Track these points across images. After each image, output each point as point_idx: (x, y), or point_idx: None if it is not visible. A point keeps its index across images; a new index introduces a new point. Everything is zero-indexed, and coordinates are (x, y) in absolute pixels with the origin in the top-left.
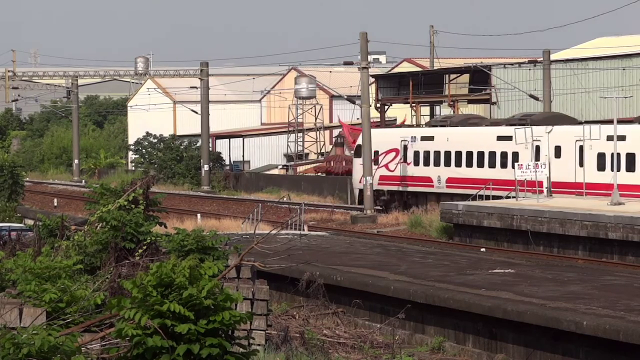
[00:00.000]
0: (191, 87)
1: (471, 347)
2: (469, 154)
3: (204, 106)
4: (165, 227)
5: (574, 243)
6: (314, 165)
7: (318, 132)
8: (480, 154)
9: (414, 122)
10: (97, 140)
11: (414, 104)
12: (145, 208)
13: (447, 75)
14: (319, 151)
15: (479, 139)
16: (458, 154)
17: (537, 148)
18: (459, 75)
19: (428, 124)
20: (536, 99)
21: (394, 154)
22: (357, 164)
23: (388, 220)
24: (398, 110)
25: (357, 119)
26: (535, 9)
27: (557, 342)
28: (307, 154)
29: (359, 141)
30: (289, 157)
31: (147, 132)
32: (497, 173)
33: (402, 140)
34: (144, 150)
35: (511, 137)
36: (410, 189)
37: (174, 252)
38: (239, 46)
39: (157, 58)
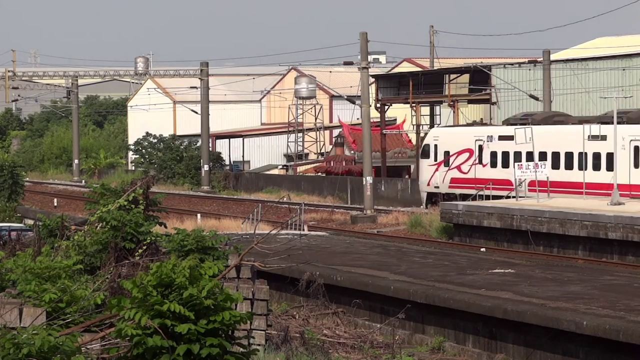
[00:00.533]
0: (191, 87)
1: (471, 347)
2: (555, 155)
3: (204, 106)
4: (165, 227)
5: (574, 243)
6: (314, 165)
7: (318, 132)
8: (569, 155)
9: (414, 122)
10: (97, 140)
11: (414, 104)
12: (145, 208)
13: (447, 75)
14: (319, 151)
15: (568, 139)
16: (542, 154)
17: (637, 149)
18: (459, 75)
19: (506, 122)
20: (536, 99)
21: (467, 154)
22: (425, 165)
23: (388, 220)
24: (398, 110)
25: (357, 119)
26: (535, 9)
27: (557, 342)
28: (307, 154)
29: (427, 140)
30: (289, 157)
31: (147, 132)
32: (589, 176)
33: (476, 140)
34: (144, 150)
35: (605, 136)
36: (486, 192)
37: (174, 252)
38: (239, 46)
39: (157, 58)
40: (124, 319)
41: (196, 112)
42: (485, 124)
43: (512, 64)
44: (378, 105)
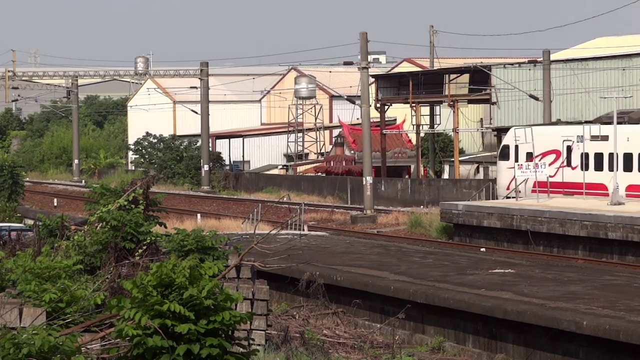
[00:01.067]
0: (191, 87)
1: (471, 347)
2: None
3: (204, 106)
4: (165, 227)
5: (574, 243)
6: (314, 165)
7: (318, 132)
8: None
9: (414, 122)
10: (97, 140)
11: (414, 104)
12: (145, 208)
13: (447, 75)
14: (319, 151)
15: None
16: None
17: None
18: (459, 75)
19: (598, 120)
20: (536, 99)
21: (553, 156)
22: (504, 168)
23: (388, 220)
24: (398, 110)
25: (357, 119)
26: (535, 9)
27: (557, 342)
28: (307, 154)
29: (506, 140)
30: (289, 157)
31: (147, 132)
32: None
33: (564, 141)
34: (144, 150)
35: None
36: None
37: (174, 252)
38: (239, 46)
39: (157, 58)
40: (124, 319)
41: (196, 112)
42: (570, 123)
43: (512, 64)
44: (378, 105)
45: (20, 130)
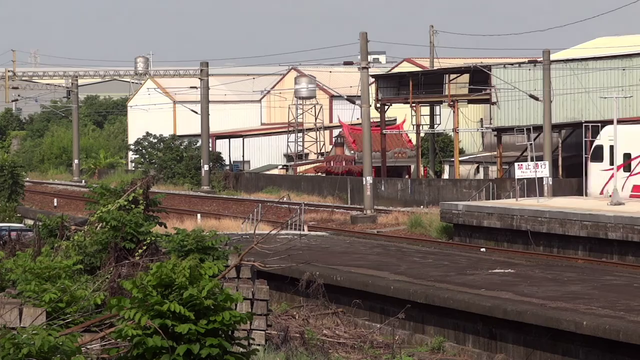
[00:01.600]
0: (191, 87)
1: (471, 347)
2: None
3: (204, 106)
4: (165, 227)
5: (574, 243)
6: (314, 165)
7: (318, 132)
8: None
9: (414, 122)
10: (97, 140)
11: (414, 104)
12: (145, 208)
13: (447, 75)
14: (319, 151)
15: None
16: None
17: None
18: (459, 75)
19: None
20: (536, 99)
21: None
22: (596, 170)
23: (388, 220)
24: (398, 110)
25: (357, 119)
26: (535, 9)
27: (556, 342)
28: (307, 154)
29: (600, 140)
30: (289, 157)
31: (147, 132)
32: None
33: None
34: (144, 150)
35: None
36: None
37: (174, 252)
38: (239, 46)
39: (157, 58)
40: (124, 319)
41: (196, 112)
42: None
43: (512, 64)
44: (378, 105)
45: (20, 130)
